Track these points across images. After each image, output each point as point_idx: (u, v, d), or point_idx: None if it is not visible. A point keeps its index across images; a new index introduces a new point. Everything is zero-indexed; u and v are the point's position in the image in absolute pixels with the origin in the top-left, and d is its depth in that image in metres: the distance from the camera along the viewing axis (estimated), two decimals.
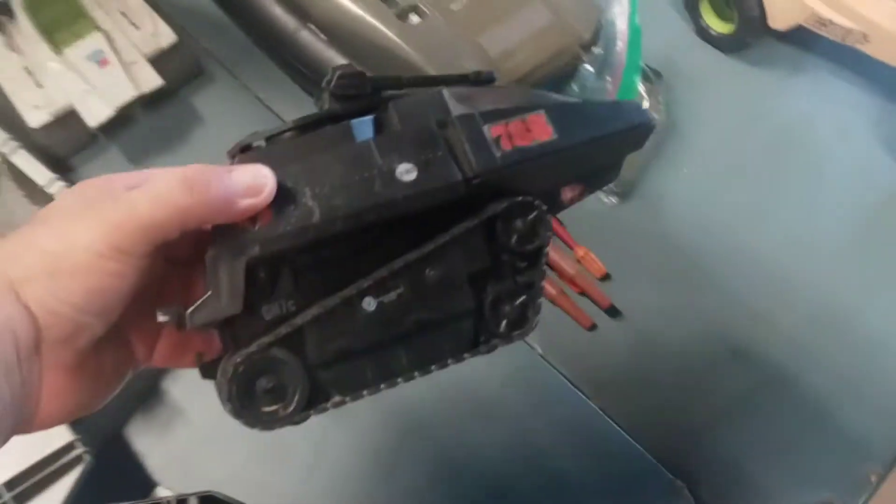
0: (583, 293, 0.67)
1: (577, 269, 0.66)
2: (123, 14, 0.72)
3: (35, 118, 0.67)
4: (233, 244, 0.30)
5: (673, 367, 0.65)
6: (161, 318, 0.30)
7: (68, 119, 0.69)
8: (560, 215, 0.69)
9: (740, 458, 0.61)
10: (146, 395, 0.62)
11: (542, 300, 0.36)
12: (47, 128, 0.68)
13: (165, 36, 0.72)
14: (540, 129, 0.34)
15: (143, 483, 0.58)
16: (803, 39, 0.80)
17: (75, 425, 0.55)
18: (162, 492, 0.57)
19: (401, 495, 0.60)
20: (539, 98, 0.36)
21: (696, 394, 0.64)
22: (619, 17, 0.73)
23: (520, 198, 0.34)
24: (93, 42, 0.68)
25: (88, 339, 0.30)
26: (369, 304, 0.32)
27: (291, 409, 0.32)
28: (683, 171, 0.74)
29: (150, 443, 0.60)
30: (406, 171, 0.32)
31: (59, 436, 0.54)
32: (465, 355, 0.35)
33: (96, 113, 0.68)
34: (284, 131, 0.33)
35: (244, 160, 0.32)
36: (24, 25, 0.69)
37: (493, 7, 0.69)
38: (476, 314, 0.35)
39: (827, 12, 0.74)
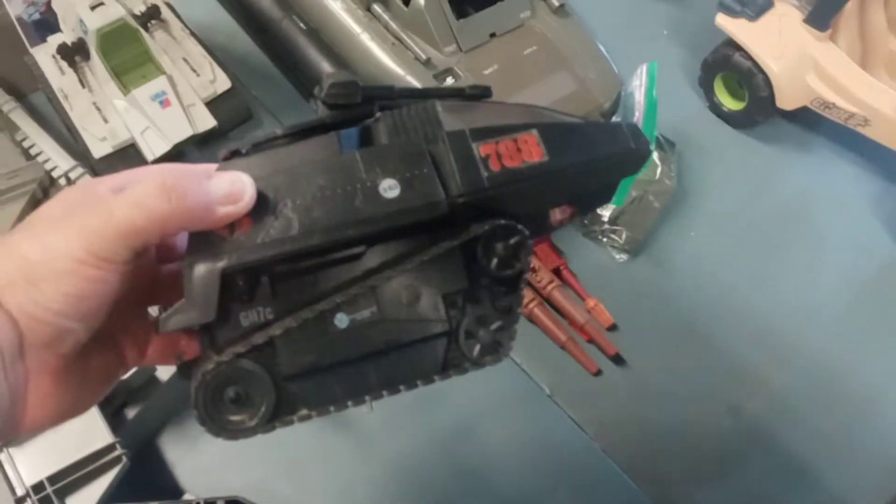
0: (591, 341, 0.71)
1: (586, 318, 0.71)
2: (186, 61, 0.79)
3: (99, 149, 0.74)
4: (209, 252, 0.30)
5: (671, 416, 0.68)
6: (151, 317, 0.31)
7: (127, 152, 0.75)
8: (574, 268, 0.74)
9: None
10: (179, 408, 0.66)
11: (519, 326, 0.35)
12: (108, 158, 0.75)
13: (221, 82, 0.79)
14: (531, 150, 0.33)
15: (173, 490, 0.62)
16: (809, 120, 0.85)
17: (116, 429, 0.59)
18: (190, 498, 0.61)
19: None
20: (535, 116, 0.35)
21: (691, 442, 0.67)
22: (638, 89, 0.78)
23: (502, 221, 0.33)
24: (158, 85, 0.75)
25: (72, 343, 0.30)
26: (341, 320, 0.32)
27: (257, 420, 0.31)
28: (691, 235, 0.79)
29: (180, 453, 0.65)
30: (389, 188, 0.31)
31: (102, 436, 0.58)
32: (435, 378, 0.34)
33: (154, 148, 0.74)
34: (273, 139, 0.33)
35: (227, 167, 0.31)
36: (97, 66, 0.76)
37: (522, 74, 0.75)
38: (449, 337, 0.34)
39: (831, 96, 0.79)
